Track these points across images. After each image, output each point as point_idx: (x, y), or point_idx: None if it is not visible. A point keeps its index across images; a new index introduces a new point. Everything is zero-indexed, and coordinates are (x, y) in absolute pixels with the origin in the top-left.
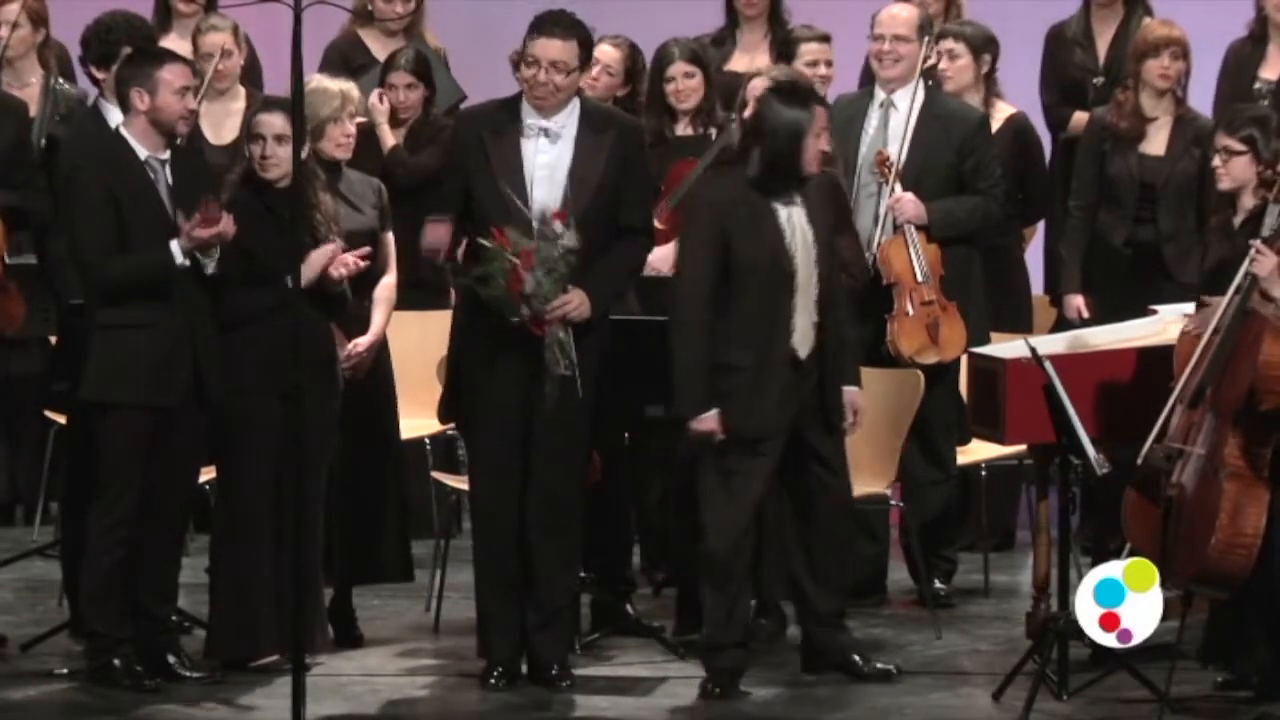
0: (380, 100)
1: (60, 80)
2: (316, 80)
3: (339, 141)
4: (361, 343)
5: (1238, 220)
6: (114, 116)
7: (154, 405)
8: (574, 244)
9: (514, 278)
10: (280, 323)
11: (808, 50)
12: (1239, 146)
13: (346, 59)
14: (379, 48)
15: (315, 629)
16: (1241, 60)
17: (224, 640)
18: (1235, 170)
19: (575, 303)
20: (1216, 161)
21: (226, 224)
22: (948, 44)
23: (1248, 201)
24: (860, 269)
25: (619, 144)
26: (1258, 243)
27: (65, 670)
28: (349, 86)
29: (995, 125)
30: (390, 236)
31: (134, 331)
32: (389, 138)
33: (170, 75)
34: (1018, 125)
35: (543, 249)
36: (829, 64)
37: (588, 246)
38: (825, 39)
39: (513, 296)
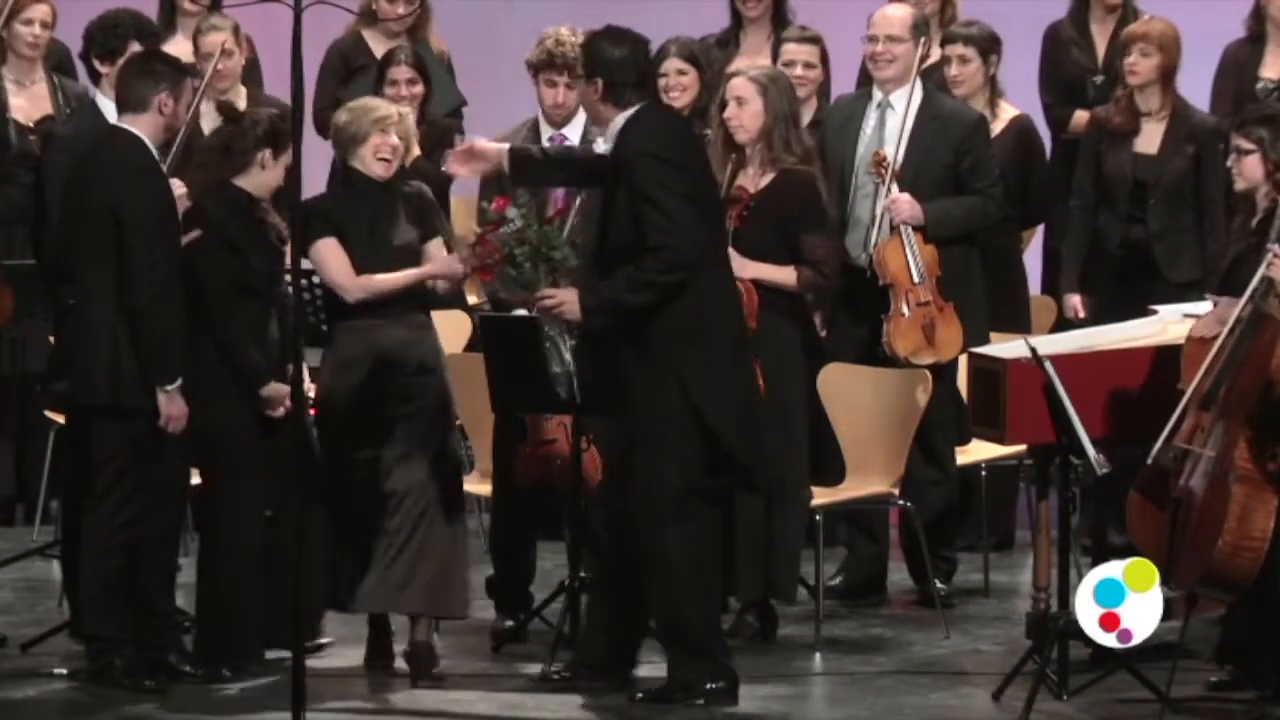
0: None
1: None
2: (368, 99)
3: (380, 153)
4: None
5: (1254, 221)
6: (111, 112)
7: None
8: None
9: (480, 239)
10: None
11: (785, 50)
12: (1248, 145)
13: (348, 59)
14: (381, 49)
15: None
16: (1240, 61)
17: (210, 645)
18: (1246, 170)
19: (558, 299)
20: (1231, 161)
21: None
22: (957, 48)
23: (1262, 202)
24: (831, 267)
25: (616, 169)
26: (1275, 246)
27: (65, 670)
28: (405, 110)
29: (999, 127)
30: (436, 243)
31: None
32: (414, 149)
33: (188, 87)
34: (1021, 127)
35: (507, 229)
36: (808, 65)
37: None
38: (812, 40)
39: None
